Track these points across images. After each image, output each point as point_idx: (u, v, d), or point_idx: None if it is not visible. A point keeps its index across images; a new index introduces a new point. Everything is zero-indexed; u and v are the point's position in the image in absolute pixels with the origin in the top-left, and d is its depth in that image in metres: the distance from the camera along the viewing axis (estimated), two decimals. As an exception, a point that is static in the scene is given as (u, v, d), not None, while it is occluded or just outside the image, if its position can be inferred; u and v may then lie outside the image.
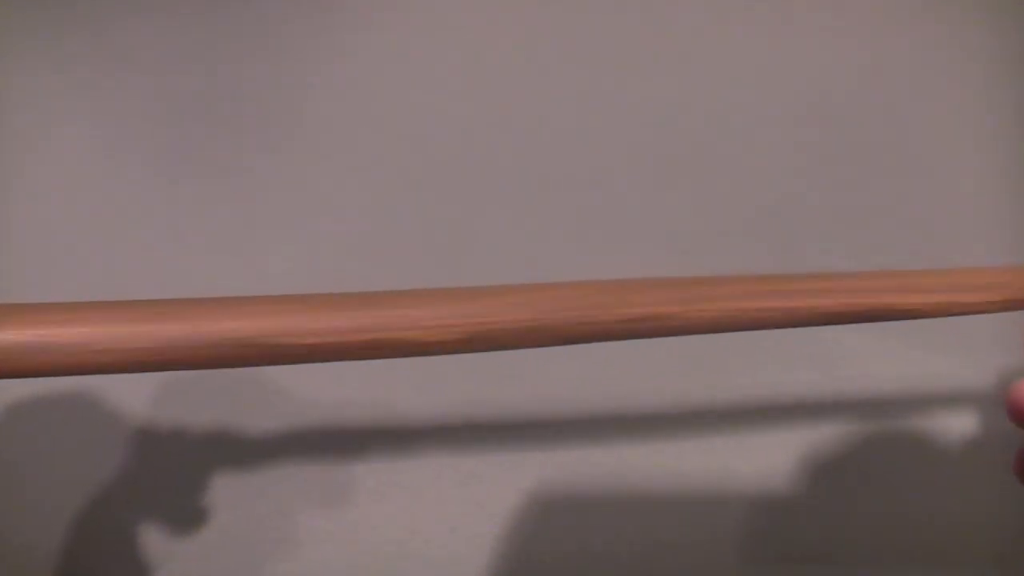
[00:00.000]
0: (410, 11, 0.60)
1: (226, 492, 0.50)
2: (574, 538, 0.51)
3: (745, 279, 0.30)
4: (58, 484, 0.50)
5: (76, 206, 0.56)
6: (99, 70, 0.58)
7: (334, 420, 0.52)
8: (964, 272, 0.32)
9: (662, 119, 0.59)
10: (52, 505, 0.49)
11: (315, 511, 0.51)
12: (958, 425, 0.54)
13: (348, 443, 0.52)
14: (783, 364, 0.54)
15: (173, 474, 0.51)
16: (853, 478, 0.53)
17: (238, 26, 0.59)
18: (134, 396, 0.51)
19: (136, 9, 0.59)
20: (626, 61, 0.60)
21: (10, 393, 0.50)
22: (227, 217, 0.56)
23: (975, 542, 0.52)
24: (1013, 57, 0.61)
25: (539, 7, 0.61)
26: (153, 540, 0.50)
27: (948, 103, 0.60)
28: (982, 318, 0.33)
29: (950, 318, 0.32)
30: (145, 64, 0.58)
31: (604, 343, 0.29)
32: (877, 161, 0.59)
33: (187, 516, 0.50)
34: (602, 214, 0.58)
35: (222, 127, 0.58)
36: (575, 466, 0.52)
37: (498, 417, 0.53)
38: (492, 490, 0.51)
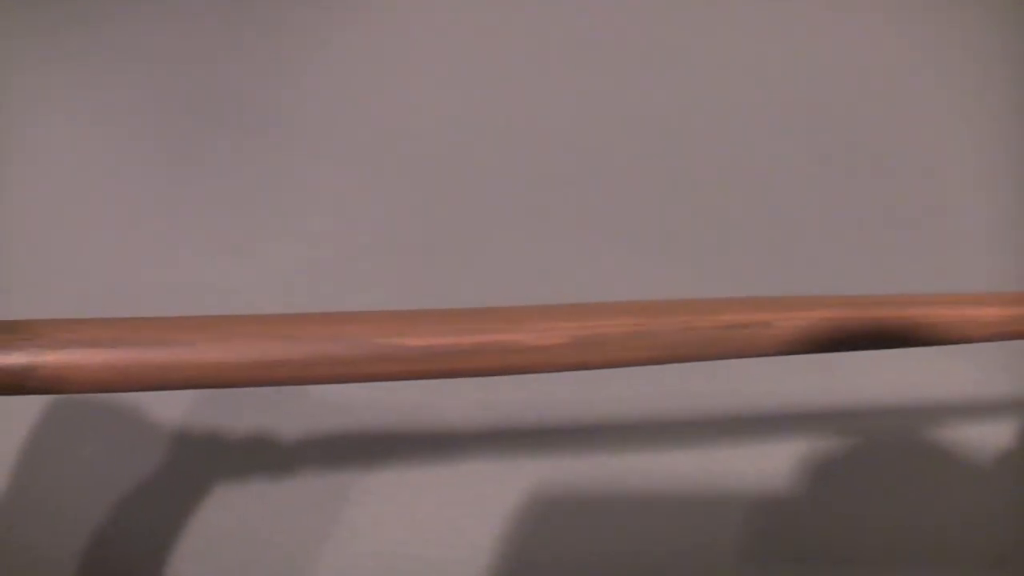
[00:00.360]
0: (411, 12, 0.60)
1: (225, 494, 0.50)
2: (575, 540, 0.51)
3: (837, 296, 0.31)
4: (72, 488, 0.50)
5: (75, 205, 0.56)
6: (99, 70, 0.58)
7: (335, 423, 0.52)
8: None
9: (663, 121, 0.59)
10: (63, 508, 0.49)
11: (316, 512, 0.51)
12: (958, 427, 0.54)
13: (349, 445, 0.52)
14: (785, 367, 0.54)
15: (174, 476, 0.51)
16: (853, 480, 0.53)
17: (238, 26, 0.59)
18: (138, 399, 0.51)
19: (135, 9, 0.58)
20: (628, 64, 0.60)
21: (23, 402, 0.49)
22: (227, 217, 0.56)
23: (975, 542, 0.52)
24: (1013, 57, 0.61)
25: (542, 9, 0.61)
26: (155, 540, 0.50)
27: (948, 103, 0.60)
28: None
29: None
30: (145, 64, 0.58)
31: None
32: (877, 163, 0.59)
33: (188, 517, 0.50)
34: (603, 217, 0.58)
35: (222, 127, 0.58)
36: (576, 468, 0.52)
37: (499, 419, 0.53)
38: (493, 491, 0.51)
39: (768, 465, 0.53)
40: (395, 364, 0.26)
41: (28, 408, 0.49)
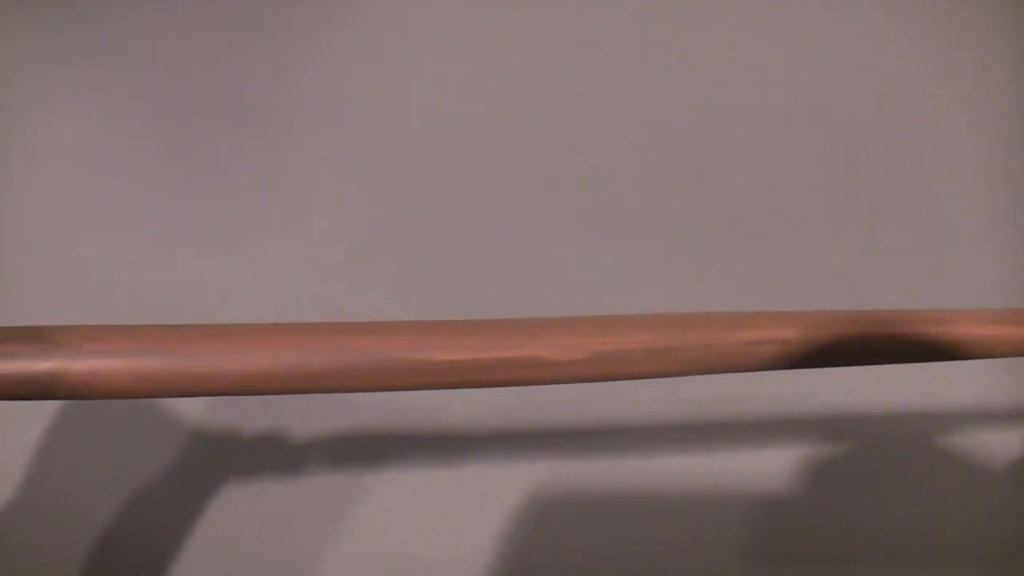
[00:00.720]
0: (411, 12, 0.60)
1: (227, 494, 0.50)
2: (575, 540, 0.51)
3: (855, 312, 0.31)
4: (79, 489, 0.50)
5: (75, 205, 0.56)
6: (99, 70, 0.58)
7: (335, 424, 0.52)
8: None
9: (663, 121, 0.59)
10: (70, 508, 0.49)
11: (317, 512, 0.51)
12: (958, 429, 0.54)
13: (349, 446, 0.52)
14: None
15: (177, 477, 0.51)
16: (853, 481, 0.53)
17: (238, 26, 0.59)
18: (143, 401, 0.51)
19: (135, 9, 0.58)
20: (628, 64, 0.60)
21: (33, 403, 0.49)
22: (227, 217, 0.56)
23: (975, 542, 0.52)
24: (1013, 57, 0.61)
25: (542, 9, 0.61)
26: (160, 540, 0.50)
27: (948, 103, 0.60)
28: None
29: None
30: (145, 63, 0.58)
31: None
32: (877, 163, 0.59)
33: (191, 517, 0.50)
34: (604, 217, 0.58)
35: (222, 127, 0.58)
36: (576, 468, 0.52)
37: (499, 419, 0.53)
38: (493, 491, 0.51)
39: (768, 466, 0.53)
40: (419, 377, 0.27)
41: (37, 410, 0.49)
